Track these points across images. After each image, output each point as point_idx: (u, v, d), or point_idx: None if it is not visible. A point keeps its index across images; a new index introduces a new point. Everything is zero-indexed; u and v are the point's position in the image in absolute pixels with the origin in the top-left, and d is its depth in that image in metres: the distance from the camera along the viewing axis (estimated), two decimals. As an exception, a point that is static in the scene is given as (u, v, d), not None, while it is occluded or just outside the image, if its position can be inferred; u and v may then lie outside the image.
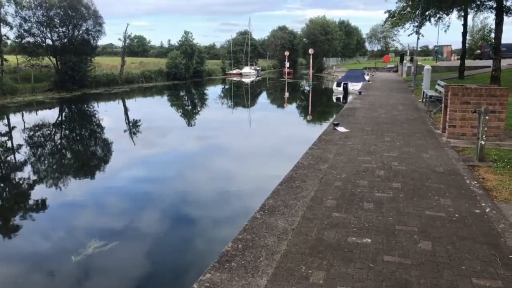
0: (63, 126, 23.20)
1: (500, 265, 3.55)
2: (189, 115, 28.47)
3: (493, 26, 21.15)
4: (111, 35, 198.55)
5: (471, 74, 30.89)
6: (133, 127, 22.55)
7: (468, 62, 34.20)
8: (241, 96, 43.41)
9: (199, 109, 33.05)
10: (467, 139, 8.89)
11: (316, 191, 5.51)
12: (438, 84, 15.52)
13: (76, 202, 10.24)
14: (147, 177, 11.86)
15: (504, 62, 38.15)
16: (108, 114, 27.35)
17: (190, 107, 34.29)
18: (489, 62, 41.78)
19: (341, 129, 10.26)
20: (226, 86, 59.86)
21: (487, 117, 6.87)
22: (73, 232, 8.46)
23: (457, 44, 78.75)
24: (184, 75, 63.08)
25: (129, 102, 36.59)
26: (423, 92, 16.40)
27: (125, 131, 21.29)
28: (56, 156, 15.46)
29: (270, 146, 15.38)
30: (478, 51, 59.62)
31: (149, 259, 6.91)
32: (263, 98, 42.00)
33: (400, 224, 4.40)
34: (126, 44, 56.39)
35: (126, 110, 31.23)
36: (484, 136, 6.91)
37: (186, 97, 43.30)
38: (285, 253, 3.76)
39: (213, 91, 50.71)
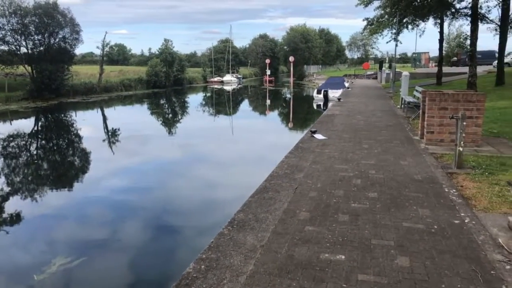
0: (39, 136, 22.46)
1: (482, 282, 3.31)
2: (169, 124, 27.99)
3: (469, 33, 21.42)
4: (92, 44, 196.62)
5: (448, 80, 31.28)
6: (111, 136, 22.00)
7: (445, 69, 34.63)
8: (222, 104, 43.09)
9: (179, 117, 32.58)
10: (445, 145, 8.76)
11: (290, 203, 5.22)
12: (416, 90, 15.52)
13: (46, 215, 9.75)
14: (120, 188, 11.41)
15: (480, 69, 38.95)
16: (85, 123, 26.68)
17: (170, 115, 33.78)
18: (466, 69, 42.51)
19: (318, 136, 10.03)
20: (208, 94, 59.48)
21: (464, 123, 6.72)
22: (40, 247, 7.99)
23: (434, 51, 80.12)
24: (164, 83, 62.53)
25: (108, 111, 35.85)
26: (402, 98, 16.38)
27: (103, 140, 20.72)
28: (29, 167, 14.83)
29: (248, 154, 15.09)
30: (455, 58, 60.70)
31: (111, 279, 6.49)
32: (244, 105, 41.76)
33: (376, 238, 4.14)
34: (104, 52, 55.61)
35: (104, 119, 30.57)
36: (462, 143, 6.76)
37: (166, 105, 42.74)
38: (251, 274, 3.45)
39: (194, 99, 50.25)
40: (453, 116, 6.87)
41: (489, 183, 6.00)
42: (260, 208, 5.05)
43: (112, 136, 22.06)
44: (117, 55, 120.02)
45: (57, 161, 16.06)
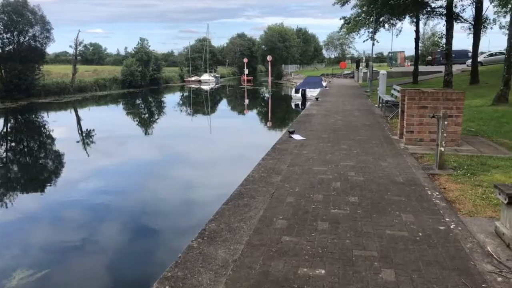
0: (8, 138, 21.50)
1: (473, 297, 3.04)
2: (145, 124, 27.33)
3: (444, 32, 21.57)
4: (66, 43, 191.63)
5: (424, 79, 31.57)
6: (85, 137, 21.27)
7: (421, 68, 34.97)
8: (200, 103, 42.51)
9: (155, 117, 31.92)
10: (425, 145, 8.58)
11: (266, 210, 4.88)
12: (394, 89, 15.43)
13: (13, 221, 9.19)
14: (91, 191, 10.88)
15: (454, 68, 39.55)
16: (57, 124, 25.76)
17: (146, 115, 33.06)
18: (440, 68, 43.15)
19: (296, 137, 9.73)
20: (185, 94, 58.76)
21: (446, 122, 6.52)
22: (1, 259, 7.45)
23: (409, 51, 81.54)
24: (140, 83, 61.45)
25: (82, 112, 34.83)
26: (379, 97, 16.28)
27: (77, 142, 20.02)
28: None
29: (225, 155, 14.71)
30: (429, 57, 61.69)
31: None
32: (222, 105, 41.31)
33: (359, 248, 3.83)
34: (77, 52, 54.16)
35: (78, 119, 29.66)
36: (443, 143, 6.55)
37: (142, 105, 41.88)
38: (221, 295, 3.08)
39: (171, 99, 49.50)
40: (434, 115, 6.66)
41: (472, 185, 5.79)
42: (234, 216, 4.69)
43: (86, 137, 21.35)
44: (92, 55, 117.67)
45: (27, 164, 15.33)
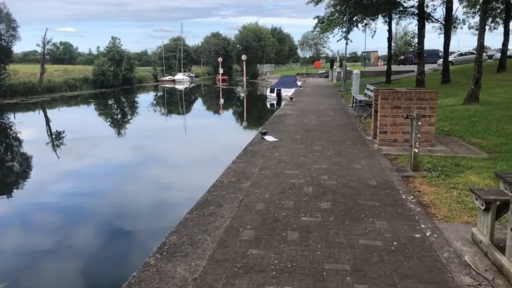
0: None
1: (453, 316, 2.80)
2: (116, 125, 26.59)
3: (416, 32, 21.77)
4: (35, 42, 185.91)
5: (397, 78, 31.89)
6: (54, 139, 20.44)
7: (393, 67, 35.35)
8: (174, 103, 41.82)
9: (127, 117, 31.15)
10: (398, 145, 8.44)
11: (233, 219, 4.56)
12: (367, 89, 15.36)
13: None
14: (50, 195, 10.31)
15: (425, 67, 40.24)
16: (24, 125, 24.73)
17: (117, 116, 32.23)
18: (413, 67, 43.84)
19: (269, 138, 9.45)
20: (159, 93, 57.83)
21: (419, 123, 6.35)
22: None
23: (383, 50, 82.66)
24: (112, 83, 60.20)
25: (51, 113, 33.63)
26: (353, 96, 16.20)
27: (46, 143, 19.19)
28: None
29: (197, 158, 14.29)
30: (402, 57, 62.70)
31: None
32: (196, 105, 40.74)
33: (330, 261, 3.55)
34: (46, 51, 52.48)
35: (47, 121, 28.64)
36: (417, 144, 6.38)
37: (114, 106, 40.89)
38: (176, 323, 2.75)
39: (144, 99, 48.53)
40: (408, 115, 6.49)
41: (447, 187, 5.63)
42: (198, 227, 4.35)
43: (54, 139, 20.53)
44: (62, 54, 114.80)
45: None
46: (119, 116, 32.41)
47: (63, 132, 21.62)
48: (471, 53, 50.03)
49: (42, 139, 20.20)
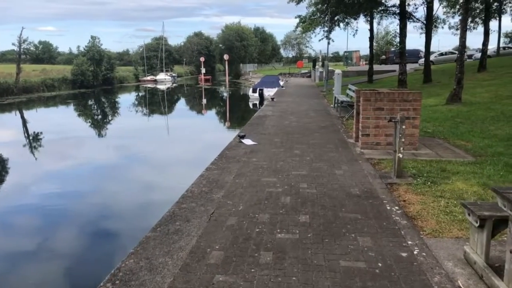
0: None
1: None
2: (92, 126, 25.78)
3: (397, 31, 21.59)
4: (14, 41, 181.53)
5: (379, 78, 31.81)
6: (31, 141, 19.59)
7: (375, 67, 35.28)
8: (154, 103, 41.04)
9: (106, 118, 30.32)
10: (382, 149, 8.08)
11: (201, 237, 4.08)
12: (349, 89, 15.05)
13: None
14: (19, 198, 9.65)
15: (407, 67, 40.34)
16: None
17: (95, 117, 31.33)
18: (394, 67, 43.95)
19: (247, 141, 8.99)
20: (139, 94, 56.83)
21: (403, 127, 5.98)
22: None
23: (364, 50, 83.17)
24: (92, 83, 59.00)
25: (27, 114, 32.50)
26: (335, 97, 15.87)
27: (23, 145, 18.37)
28: None
29: (171, 163, 13.68)
30: (383, 56, 63.07)
31: None
32: (177, 106, 40.04)
33: (307, 289, 3.11)
34: (21, 50, 51.03)
35: (24, 122, 27.63)
36: (401, 148, 6.01)
37: (93, 106, 39.88)
38: None
39: (124, 99, 47.58)
40: (391, 118, 6.11)
41: (434, 196, 5.26)
42: (160, 248, 3.86)
43: (31, 141, 19.71)
44: (42, 53, 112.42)
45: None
46: (97, 117, 31.54)
47: (40, 133, 20.83)
48: (452, 52, 50.56)
49: (18, 141, 19.34)
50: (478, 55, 47.17)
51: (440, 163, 6.90)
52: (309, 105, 17.14)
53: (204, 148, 14.70)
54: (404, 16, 20.26)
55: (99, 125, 26.64)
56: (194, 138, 18.61)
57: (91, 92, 53.55)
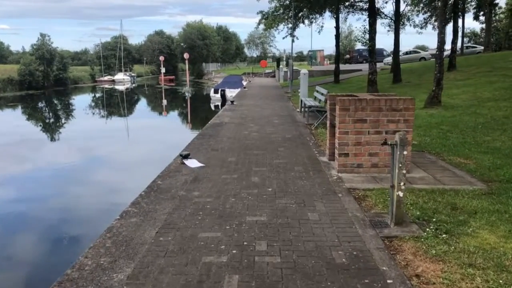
0: None
1: None
2: (36, 131, 22.92)
3: (367, 27, 20.00)
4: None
5: (345, 78, 30.44)
6: None
7: (340, 66, 33.92)
8: (110, 105, 38.10)
9: (54, 123, 27.35)
10: (364, 172, 6.23)
11: None
12: (317, 91, 13.26)
13: None
14: None
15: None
16: None
17: (39, 121, 28.27)
18: (360, 66, 43.05)
19: (192, 163, 6.93)
20: (95, 95, 53.47)
21: (405, 152, 4.12)
22: None
23: (328, 50, 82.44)
24: (42, 84, 55.08)
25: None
26: (301, 100, 14.04)
27: None
28: None
29: (89, 198, 10.49)
30: (347, 56, 62.49)
31: None
32: (133, 108, 37.26)
33: None
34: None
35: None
36: (402, 184, 4.15)
37: (39, 110, 36.48)
38: None
39: (76, 101, 44.26)
40: (386, 141, 4.24)
41: (459, 263, 3.41)
42: None
43: None
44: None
45: None
46: (42, 121, 28.48)
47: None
48: (415, 51, 50.38)
49: None
50: (443, 54, 47.32)
51: (446, 196, 5.12)
52: (273, 109, 15.24)
53: (137, 169, 12.16)
54: (374, 11, 18.74)
55: (41, 130, 23.80)
56: (138, 151, 15.82)
57: (40, 94, 49.78)
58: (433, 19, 35.14)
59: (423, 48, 65.94)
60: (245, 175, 6.23)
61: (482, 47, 41.90)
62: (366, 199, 5.11)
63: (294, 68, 28.20)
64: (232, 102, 17.46)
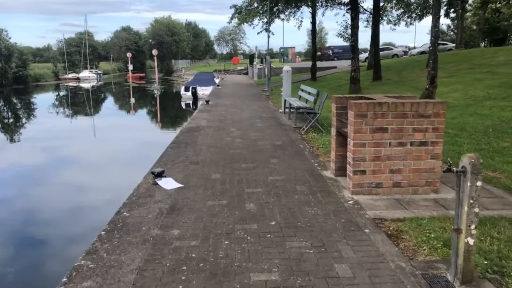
0: None
1: None
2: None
3: (348, 22, 19.04)
4: None
5: (321, 75, 29.47)
6: None
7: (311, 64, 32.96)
8: (77, 104, 35.68)
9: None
10: (385, 194, 5.03)
11: None
12: (303, 90, 12.07)
13: None
14: None
15: (346, 63, 38.72)
16: None
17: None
18: (333, 63, 42.38)
19: (167, 183, 5.54)
20: (57, 93, 50.58)
21: (479, 183, 2.91)
22: None
23: (299, 47, 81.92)
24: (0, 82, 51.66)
25: None
26: (284, 100, 12.80)
27: None
28: None
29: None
30: (319, 53, 61.88)
31: None
32: (98, 107, 35.01)
33: None
34: None
35: None
36: (474, 227, 2.94)
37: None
38: None
39: (37, 100, 41.43)
40: (451, 167, 3.03)
41: None
42: None
43: None
44: None
45: None
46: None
47: None
48: (388, 48, 50.25)
49: None
50: (415, 51, 47.28)
51: (501, 227, 3.97)
52: (252, 109, 13.93)
53: (106, 184, 10.05)
54: (356, 5, 17.72)
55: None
56: (100, 162, 12.79)
57: (-2, 93, 46.56)
58: (406, 15, 34.77)
59: (391, 45, 66.22)
60: (236, 200, 4.90)
61: (453, 44, 42.07)
62: (403, 237, 3.88)
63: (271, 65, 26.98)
64: (207, 101, 16.04)
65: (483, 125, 8.84)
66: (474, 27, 50.16)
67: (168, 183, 5.52)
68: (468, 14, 50.10)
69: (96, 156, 13.76)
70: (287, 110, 12.32)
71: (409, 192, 5.03)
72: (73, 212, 8.37)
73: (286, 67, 13.88)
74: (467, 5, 44.25)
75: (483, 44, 50.75)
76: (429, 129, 4.94)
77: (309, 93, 11.04)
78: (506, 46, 38.80)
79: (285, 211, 4.52)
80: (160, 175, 5.69)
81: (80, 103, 37.65)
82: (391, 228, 4.07)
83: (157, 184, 5.51)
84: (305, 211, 4.53)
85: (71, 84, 62.93)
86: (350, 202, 4.80)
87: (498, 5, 42.93)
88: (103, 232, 4.02)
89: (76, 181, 10.60)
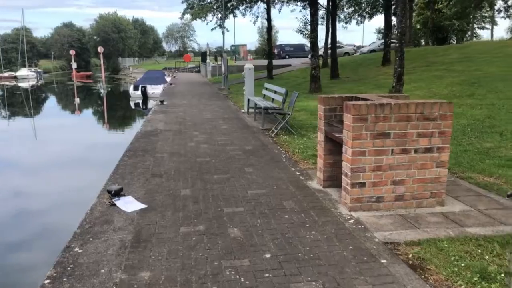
0: None
1: None
2: None
3: (308, 18, 18.55)
4: None
5: (277, 73, 28.97)
6: None
7: (264, 61, 32.47)
8: (14, 105, 32.78)
9: None
10: (387, 209, 4.37)
11: None
12: (267, 89, 11.35)
13: None
14: None
15: (297, 61, 38.63)
16: None
17: None
18: (286, 61, 42.14)
19: (127, 204, 4.56)
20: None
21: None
22: None
23: (250, 45, 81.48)
24: None
25: None
26: (248, 100, 12.00)
27: None
28: None
29: None
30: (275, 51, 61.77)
31: None
32: (39, 109, 32.38)
33: None
34: None
35: None
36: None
37: None
38: None
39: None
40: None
41: None
42: None
43: None
44: None
45: None
46: None
47: None
48: (339, 46, 50.77)
49: None
50: (365, 49, 48.17)
51: (534, 250, 3.40)
52: (213, 110, 13.01)
53: (48, 206, 7.67)
54: (315, 0, 17.26)
55: None
56: (41, 175, 10.05)
57: None
58: (357, 14, 35.18)
59: (339, 44, 67.59)
60: (215, 224, 4.04)
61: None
62: (428, 268, 3.20)
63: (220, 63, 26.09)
64: (162, 101, 14.90)
65: (460, 124, 8.51)
66: (418, 26, 51.87)
67: (128, 204, 4.55)
68: (414, 14, 51.80)
69: (39, 166, 11.76)
70: (251, 110, 11.53)
71: (413, 206, 4.41)
72: (7, 251, 5.80)
73: (248, 64, 13.09)
74: (413, 4, 45.72)
75: (427, 43, 52.68)
76: (434, 134, 4.34)
77: (275, 92, 10.32)
78: (448, 45, 40.31)
79: (279, 238, 3.72)
80: (117, 193, 4.70)
81: (18, 103, 34.75)
82: (410, 256, 3.39)
83: (115, 205, 4.52)
84: (302, 236, 3.75)
85: (7, 83, 58.56)
86: (351, 222, 4.09)
87: (440, 6, 44.66)
88: (46, 282, 3.02)
89: (6, 200, 8.03)
